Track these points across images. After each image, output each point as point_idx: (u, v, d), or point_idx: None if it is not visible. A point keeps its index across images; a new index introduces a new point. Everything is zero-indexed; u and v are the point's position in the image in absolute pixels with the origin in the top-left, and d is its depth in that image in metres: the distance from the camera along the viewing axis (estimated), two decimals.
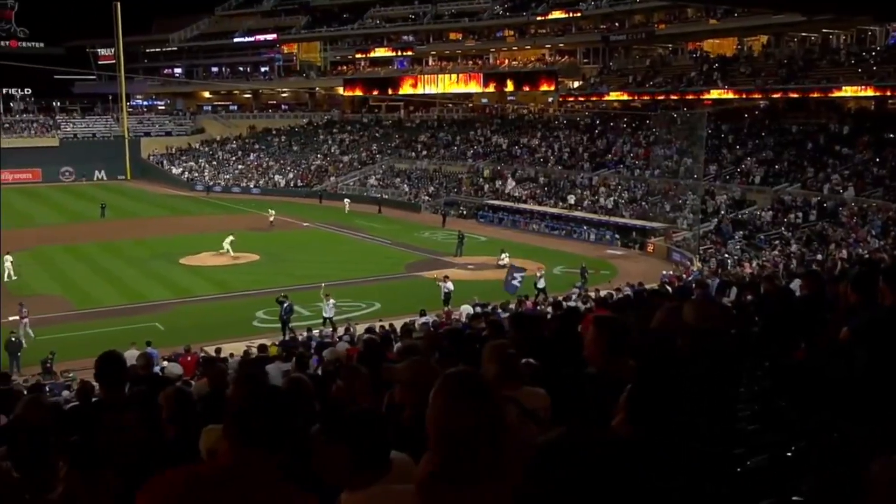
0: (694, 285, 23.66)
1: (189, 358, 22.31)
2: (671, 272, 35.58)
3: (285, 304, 29.26)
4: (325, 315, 30.04)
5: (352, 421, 2.96)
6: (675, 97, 62.78)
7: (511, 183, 62.08)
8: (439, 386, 2.56)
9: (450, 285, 32.46)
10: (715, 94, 60.42)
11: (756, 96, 58.80)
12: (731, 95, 59.82)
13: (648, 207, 52.03)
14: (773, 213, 45.25)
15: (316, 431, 2.94)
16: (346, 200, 66.32)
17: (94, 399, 7.75)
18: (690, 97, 61.63)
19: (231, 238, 44.56)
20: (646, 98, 66.11)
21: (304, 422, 4.68)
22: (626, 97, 67.78)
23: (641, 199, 53.57)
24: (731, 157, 53.96)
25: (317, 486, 2.97)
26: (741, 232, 44.28)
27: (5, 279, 37.35)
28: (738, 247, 42.23)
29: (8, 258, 38.18)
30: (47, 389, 17.76)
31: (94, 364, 5.60)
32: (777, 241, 41.56)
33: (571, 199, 57.00)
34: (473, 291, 31.70)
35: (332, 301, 30.44)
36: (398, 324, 21.54)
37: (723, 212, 47.75)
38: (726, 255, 40.44)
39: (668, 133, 55.70)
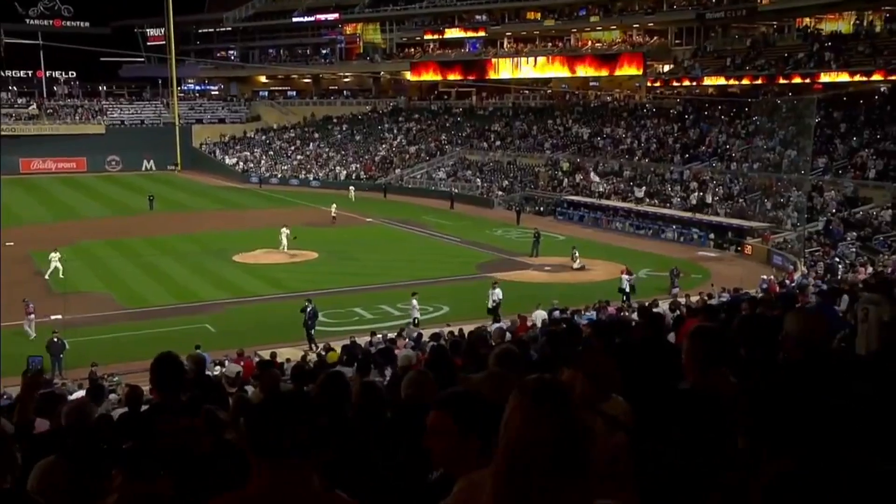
0: (798, 292, 23.21)
1: (242, 363, 22.65)
2: (772, 277, 34.92)
3: (308, 309, 29.30)
4: (414, 315, 30.47)
5: (483, 411, 3.13)
6: (780, 81, 61.55)
7: (595, 178, 61.58)
8: (514, 393, 2.59)
9: (498, 293, 32.06)
10: (827, 76, 58.94)
11: (876, 78, 57.06)
12: (846, 78, 58.20)
13: (746, 205, 51.15)
14: (892, 213, 44.04)
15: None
16: (351, 188, 68.74)
17: (144, 405, 7.93)
18: (797, 81, 60.32)
19: (286, 231, 45.24)
20: (745, 82, 65.00)
21: (378, 427, 4.78)
22: (722, 81, 66.78)
23: (739, 195, 52.68)
24: (844, 149, 52.68)
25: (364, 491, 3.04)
26: (854, 233, 43.21)
27: (60, 276, 38.48)
28: (852, 250, 41.22)
29: (55, 255, 39.27)
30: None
31: (150, 367, 5.73)
32: None
33: (640, 193, 56.50)
34: (552, 294, 31.63)
35: (414, 302, 30.81)
36: (468, 329, 21.58)
37: (833, 210, 46.66)
38: (836, 260, 39.51)
39: (771, 122, 54.67)
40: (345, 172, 79.25)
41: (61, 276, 38.36)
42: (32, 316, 30.07)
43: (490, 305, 31.62)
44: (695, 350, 4.57)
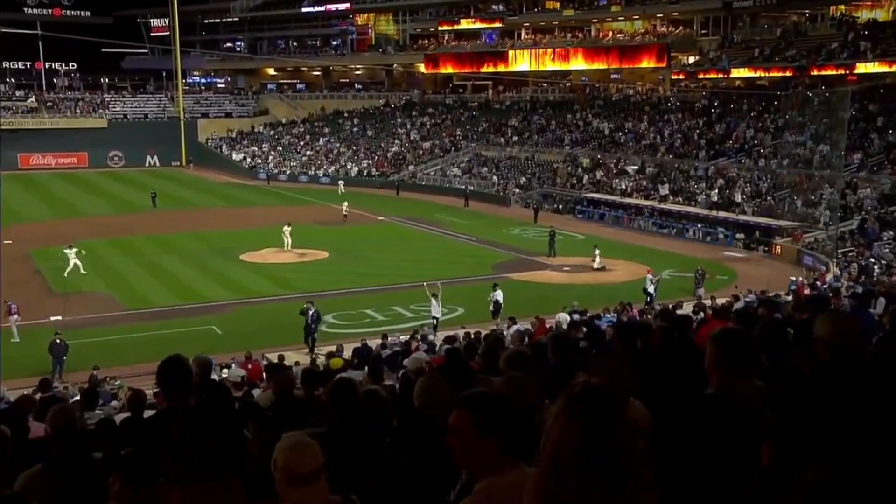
0: (830, 295, 23.09)
1: (250, 366, 22.74)
2: (800, 279, 34.75)
3: (311, 312, 29.14)
4: (433, 314, 30.63)
5: (503, 412, 3.20)
6: (812, 73, 61.19)
7: (631, 168, 61.44)
8: (558, 398, 2.59)
9: (498, 295, 32.07)
10: (863, 67, 58.45)
11: None
12: (884, 69, 57.62)
13: (775, 203, 50.94)
14: None
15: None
16: (340, 182, 69.91)
17: (147, 409, 7.96)
18: (831, 72, 59.91)
19: (288, 228, 45.38)
20: (775, 74, 64.67)
21: (385, 437, 4.79)
22: (751, 74, 66.48)
23: (767, 193, 52.46)
24: (881, 144, 52.28)
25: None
26: (891, 232, 42.94)
27: (65, 275, 38.66)
28: (888, 250, 40.98)
29: (71, 251, 39.42)
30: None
31: (157, 370, 5.73)
32: None
33: (664, 190, 56.38)
34: (571, 296, 31.66)
35: (434, 301, 30.85)
36: (484, 331, 21.56)
37: (868, 208, 46.38)
38: (871, 260, 39.28)
39: (802, 115, 54.36)
40: (356, 169, 79.33)
41: (65, 274, 38.56)
42: (15, 317, 29.91)
43: (491, 308, 31.64)
44: (718, 354, 4.58)
